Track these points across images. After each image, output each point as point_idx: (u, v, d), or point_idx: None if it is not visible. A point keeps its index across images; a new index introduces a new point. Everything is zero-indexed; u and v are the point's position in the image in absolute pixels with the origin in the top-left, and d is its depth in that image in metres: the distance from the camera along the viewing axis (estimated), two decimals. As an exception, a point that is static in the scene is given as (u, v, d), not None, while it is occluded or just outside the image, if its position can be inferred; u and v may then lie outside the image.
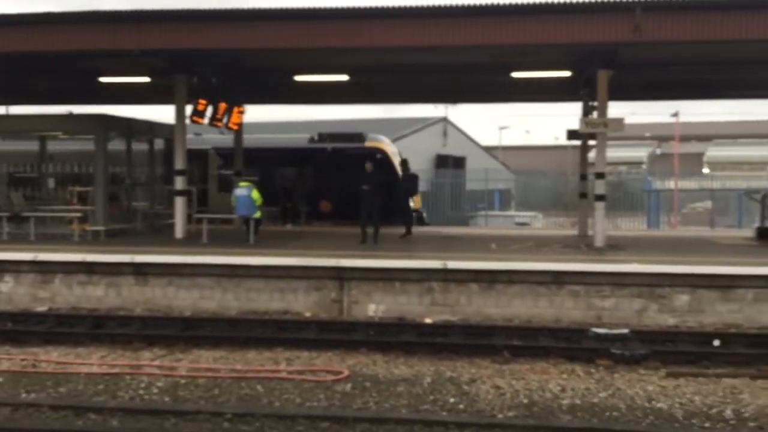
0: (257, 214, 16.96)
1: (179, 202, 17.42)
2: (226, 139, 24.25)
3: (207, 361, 10.27)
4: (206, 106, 18.38)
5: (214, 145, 25.35)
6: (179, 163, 17.44)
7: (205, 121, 18.79)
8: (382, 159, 23.67)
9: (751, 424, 7.76)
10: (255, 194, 16.83)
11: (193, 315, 13.17)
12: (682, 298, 12.58)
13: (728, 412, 8.09)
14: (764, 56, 16.55)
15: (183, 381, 9.25)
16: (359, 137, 24.61)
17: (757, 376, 9.45)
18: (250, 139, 24.01)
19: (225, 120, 19.86)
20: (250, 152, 23.14)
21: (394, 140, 27.87)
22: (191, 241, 16.73)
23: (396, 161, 23.72)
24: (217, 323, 12.31)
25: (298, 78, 19.29)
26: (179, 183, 17.43)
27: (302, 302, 13.45)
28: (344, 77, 18.90)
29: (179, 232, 17.30)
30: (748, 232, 20.12)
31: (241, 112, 20.81)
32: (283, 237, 18.31)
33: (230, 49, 15.39)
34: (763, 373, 9.59)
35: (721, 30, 13.49)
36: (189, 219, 17.93)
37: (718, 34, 13.52)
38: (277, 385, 9.04)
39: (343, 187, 21.74)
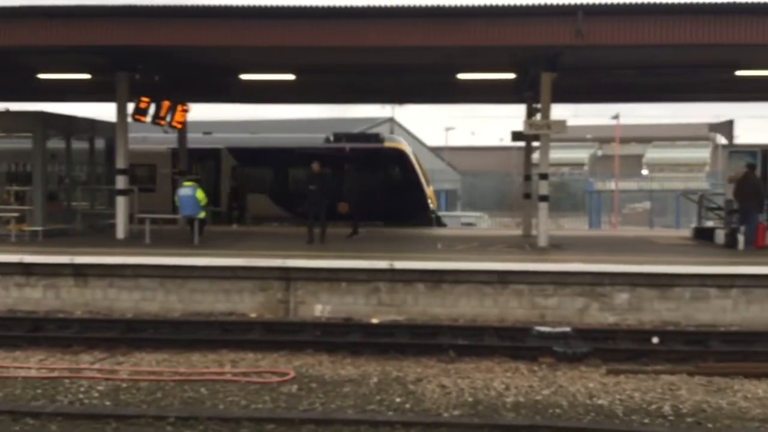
0: (201, 214, 16.72)
1: (120, 202, 17.08)
2: (243, 138, 24.02)
3: (149, 364, 10.07)
4: (149, 104, 18.08)
5: (228, 144, 25.02)
6: (120, 162, 17.10)
7: (148, 119, 18.46)
8: (402, 160, 23.78)
9: (689, 420, 7.95)
10: (199, 194, 16.59)
11: (135, 317, 12.91)
12: (622, 297, 12.87)
13: (666, 408, 8.27)
14: (700, 60, 17.07)
15: (124, 385, 9.06)
16: (377, 138, 24.65)
17: (695, 373, 9.69)
18: (261, 139, 23.85)
19: (168, 118, 19.54)
20: (264, 152, 22.92)
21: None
22: (133, 242, 16.41)
23: (415, 161, 23.76)
24: (159, 325, 12.10)
25: (244, 77, 19.10)
26: (120, 182, 17.08)
27: (248, 303, 13.32)
28: (290, 76, 18.80)
29: (121, 232, 16.96)
30: (686, 232, 20.70)
31: (185, 111, 20.51)
32: (228, 237, 18.11)
33: (169, 46, 15.11)
34: (700, 369, 9.84)
35: (658, 34, 13.83)
36: (131, 219, 17.58)
37: (656, 39, 13.86)
38: (221, 388, 8.92)
39: (362, 189, 21.67)
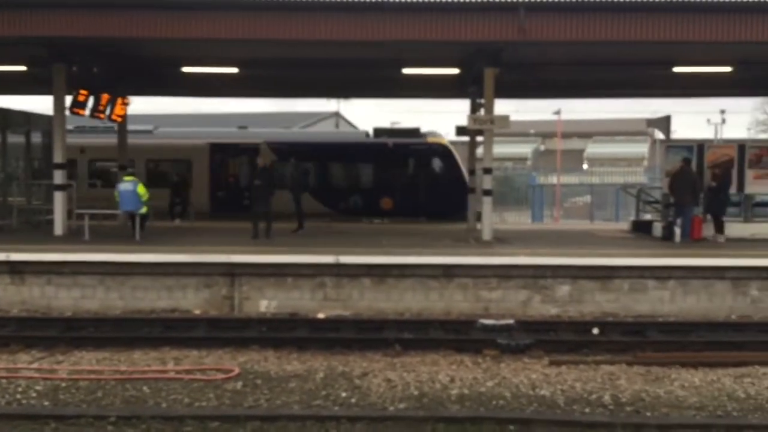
0: (143, 210, 16.40)
1: (58, 198, 16.63)
2: (284, 133, 23.62)
3: (89, 363, 9.85)
4: (87, 96, 17.62)
5: (267, 139, 24.63)
6: (58, 157, 16.66)
7: (86, 112, 18.00)
8: (446, 155, 23.69)
9: (628, 409, 8.14)
10: (141, 189, 16.26)
11: (74, 315, 12.63)
12: (564, 289, 13.13)
13: (606, 398, 8.45)
14: (640, 57, 17.49)
15: (64, 384, 8.85)
16: (420, 133, 24.46)
17: (633, 362, 9.93)
18: (300, 134, 23.45)
19: (108, 112, 19.07)
20: (304, 147, 22.68)
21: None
22: (72, 238, 15.99)
23: (458, 157, 23.71)
24: (100, 323, 11.87)
25: (186, 69, 18.79)
26: (58, 177, 16.64)
27: (191, 300, 13.16)
28: (234, 70, 18.57)
29: (59, 228, 16.51)
30: (625, 225, 21.21)
31: (126, 104, 20.04)
32: (171, 233, 17.82)
33: (107, 38, 14.67)
34: (638, 359, 10.09)
35: (597, 31, 14.11)
36: (69, 215, 17.14)
37: (594, 35, 14.14)
38: (164, 386, 8.78)
39: (404, 184, 21.39)
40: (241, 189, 22.90)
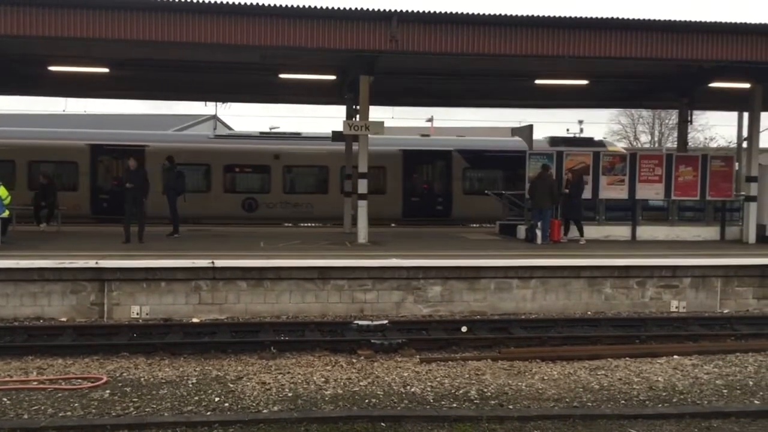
0: (5, 213, 15.60)
1: None
2: (474, 141, 24.98)
3: (-56, 375, 9.33)
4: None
5: (457, 147, 25.00)
6: None
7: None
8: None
9: (492, 402, 8.53)
10: (2, 192, 15.47)
11: (-74, 326, 11.85)
12: (435, 290, 13.59)
13: (473, 392, 8.83)
14: (503, 69, 18.35)
15: None
16: (600, 143, 25.03)
17: (498, 358, 10.44)
18: (486, 142, 25.32)
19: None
20: (491, 154, 23.80)
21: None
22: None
23: None
24: (-44, 333, 11.22)
25: (54, 68, 18.01)
26: None
27: (57, 307, 12.66)
28: (104, 70, 17.97)
29: None
30: (493, 228, 22.08)
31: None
32: (37, 238, 17.01)
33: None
34: (503, 354, 10.62)
35: (467, 43, 14.71)
36: None
37: (464, 47, 14.72)
38: (26, 396, 8.44)
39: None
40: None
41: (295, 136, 26.30)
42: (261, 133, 27.69)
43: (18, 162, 23.80)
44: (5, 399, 8.35)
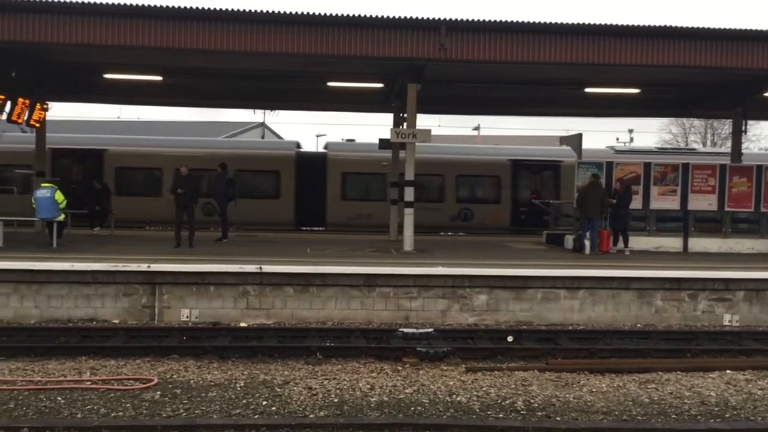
0: (61, 217, 16.04)
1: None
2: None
3: (1, 373, 9.59)
4: (5, 101, 17.10)
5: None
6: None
7: (3, 116, 17.47)
8: None
9: (539, 413, 8.42)
10: (58, 196, 15.91)
11: (-14, 325, 12.24)
12: (481, 298, 13.52)
13: (519, 403, 8.74)
14: (552, 77, 18.19)
15: (-26, 395, 8.61)
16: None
17: (545, 369, 10.31)
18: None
19: (26, 117, 18.54)
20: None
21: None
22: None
23: None
24: (13, 332, 11.58)
25: (108, 76, 18.48)
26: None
27: (110, 309, 12.94)
28: (158, 78, 18.37)
29: (-30, 236, 15.95)
30: (540, 238, 21.88)
31: (45, 109, 19.52)
32: (91, 241, 17.44)
33: (24, 42, 14.39)
34: (550, 365, 10.48)
35: (517, 52, 14.66)
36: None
37: (514, 56, 14.67)
38: (79, 396, 8.64)
39: None
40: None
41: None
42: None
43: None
44: (60, 398, 8.56)
